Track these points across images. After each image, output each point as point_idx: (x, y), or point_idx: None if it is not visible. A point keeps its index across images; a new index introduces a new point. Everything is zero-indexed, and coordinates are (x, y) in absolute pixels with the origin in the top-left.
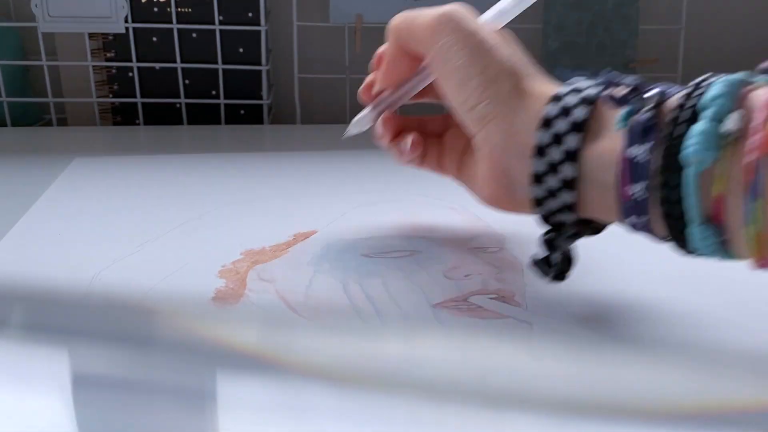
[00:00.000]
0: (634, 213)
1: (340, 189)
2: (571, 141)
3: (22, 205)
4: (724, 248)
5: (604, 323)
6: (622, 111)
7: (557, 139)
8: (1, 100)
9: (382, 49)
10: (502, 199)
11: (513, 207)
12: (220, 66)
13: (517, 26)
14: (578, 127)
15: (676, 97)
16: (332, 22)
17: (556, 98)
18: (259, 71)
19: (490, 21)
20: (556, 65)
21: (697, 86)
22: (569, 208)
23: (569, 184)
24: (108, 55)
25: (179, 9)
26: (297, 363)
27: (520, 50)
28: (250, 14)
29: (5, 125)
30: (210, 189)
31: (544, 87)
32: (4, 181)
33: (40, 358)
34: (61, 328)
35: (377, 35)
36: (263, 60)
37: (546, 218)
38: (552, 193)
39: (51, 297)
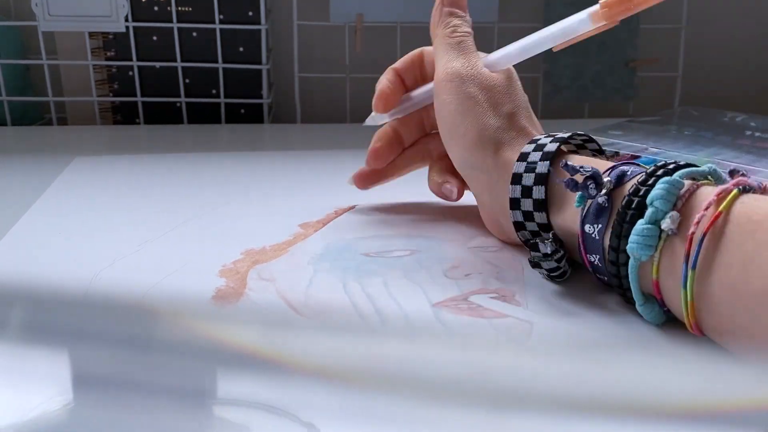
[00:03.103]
0: (597, 273)
1: (341, 188)
2: (539, 217)
3: (22, 205)
4: (666, 315)
5: (604, 323)
6: (577, 195)
7: (527, 214)
8: (1, 99)
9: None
10: (498, 234)
11: (507, 240)
12: (220, 65)
13: (517, 25)
14: (540, 205)
15: (629, 185)
16: (332, 21)
17: (516, 177)
18: (260, 70)
19: (497, 61)
20: (556, 64)
21: (651, 175)
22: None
23: (545, 228)
24: (108, 54)
25: (179, 8)
26: (297, 363)
27: (519, 95)
28: (250, 13)
29: (5, 124)
30: (210, 188)
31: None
32: (4, 181)
33: (40, 358)
34: (61, 328)
35: (377, 34)
36: (263, 59)
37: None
38: (533, 235)
39: (51, 297)
